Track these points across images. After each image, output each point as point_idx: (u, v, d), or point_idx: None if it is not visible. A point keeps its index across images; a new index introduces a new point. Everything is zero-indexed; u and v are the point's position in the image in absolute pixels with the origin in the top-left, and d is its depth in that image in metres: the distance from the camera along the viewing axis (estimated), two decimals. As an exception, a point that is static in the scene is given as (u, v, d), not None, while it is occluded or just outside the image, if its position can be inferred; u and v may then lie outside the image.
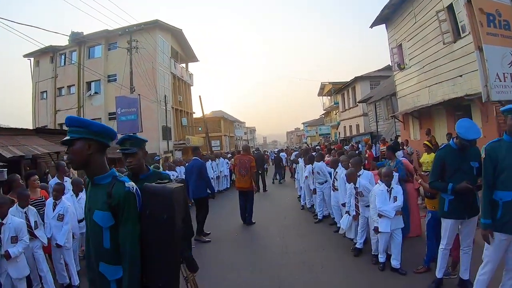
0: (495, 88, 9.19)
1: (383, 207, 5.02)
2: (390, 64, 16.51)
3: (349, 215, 6.16)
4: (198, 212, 7.57)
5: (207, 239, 7.42)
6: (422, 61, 13.63)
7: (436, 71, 12.64)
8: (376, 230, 5.13)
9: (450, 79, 11.83)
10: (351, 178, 5.88)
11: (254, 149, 35.93)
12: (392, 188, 5.13)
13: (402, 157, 7.04)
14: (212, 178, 13.75)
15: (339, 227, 7.09)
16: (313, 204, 9.45)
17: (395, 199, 5.07)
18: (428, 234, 4.85)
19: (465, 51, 10.82)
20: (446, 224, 4.07)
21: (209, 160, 13.96)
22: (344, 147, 17.38)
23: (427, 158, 8.66)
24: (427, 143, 9.15)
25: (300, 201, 10.94)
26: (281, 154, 20.04)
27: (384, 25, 16.85)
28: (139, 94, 19.79)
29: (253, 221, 8.70)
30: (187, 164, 10.15)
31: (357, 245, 5.82)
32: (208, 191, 7.68)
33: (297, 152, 15.68)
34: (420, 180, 5.22)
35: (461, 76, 11.21)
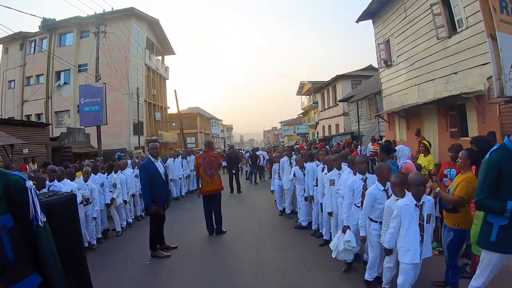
0: (510, 81, 8.10)
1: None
2: (377, 61, 15.69)
3: (346, 232, 4.78)
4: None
5: (166, 253, 6.21)
6: (411, 58, 12.80)
7: (427, 68, 11.82)
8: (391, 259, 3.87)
9: (443, 77, 11.01)
10: (385, 176, 4.31)
11: (227, 147, 34.98)
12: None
13: (405, 160, 5.82)
14: (179, 178, 12.81)
15: (325, 240, 6.19)
16: (294, 210, 8.59)
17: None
18: (450, 256, 3.90)
19: (461, 46, 10.02)
20: (490, 259, 2.95)
21: (175, 158, 12.87)
22: (326, 146, 16.40)
23: (424, 161, 7.36)
24: (425, 142, 7.96)
25: (276, 205, 9.81)
26: (258, 152, 18.97)
27: (370, 20, 16.07)
28: (104, 83, 18.03)
29: (224, 230, 7.50)
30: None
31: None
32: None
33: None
34: (438, 188, 4.02)
35: (455, 73, 10.41)
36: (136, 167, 9.65)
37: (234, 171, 13.69)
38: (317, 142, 28.31)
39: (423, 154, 7.71)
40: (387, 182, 4.21)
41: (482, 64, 9.26)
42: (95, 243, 6.93)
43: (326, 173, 6.03)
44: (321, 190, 6.17)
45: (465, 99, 9.98)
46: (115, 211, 8.01)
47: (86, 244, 6.41)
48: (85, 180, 6.99)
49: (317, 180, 6.75)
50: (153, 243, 6.20)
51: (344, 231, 4.71)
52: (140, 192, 8.84)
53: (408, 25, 12.88)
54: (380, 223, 4.05)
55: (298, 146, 19.08)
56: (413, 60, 12.71)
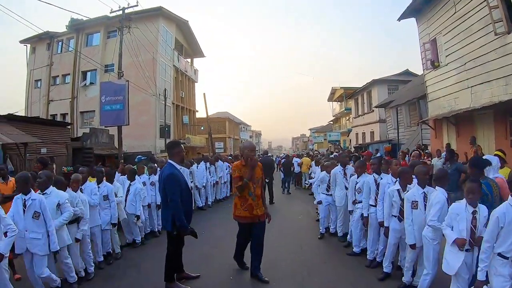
0: None
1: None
2: (422, 62, 14.39)
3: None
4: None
5: (185, 286, 4.94)
6: (462, 57, 11.54)
7: (482, 68, 10.56)
8: None
9: (502, 78, 9.75)
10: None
11: (260, 152, 33.99)
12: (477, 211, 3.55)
13: (496, 174, 4.63)
14: (203, 185, 11.54)
15: (385, 273, 5.14)
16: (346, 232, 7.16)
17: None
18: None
19: (525, 43, 8.82)
20: None
21: (199, 163, 11.77)
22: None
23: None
24: (499, 153, 6.43)
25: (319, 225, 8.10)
26: (294, 159, 17.96)
27: (413, 19, 14.90)
28: (127, 80, 17.22)
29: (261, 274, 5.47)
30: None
31: None
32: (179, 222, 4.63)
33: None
34: None
35: (517, 73, 9.18)
36: (153, 173, 8.44)
37: (267, 180, 11.76)
38: (351, 150, 27.11)
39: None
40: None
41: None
42: (93, 269, 5.52)
43: (396, 189, 4.99)
44: (388, 211, 5.08)
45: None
46: (115, 232, 6.59)
47: (81, 274, 5.25)
48: (75, 190, 5.36)
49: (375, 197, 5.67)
50: (169, 272, 4.92)
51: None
52: (157, 203, 7.93)
53: (458, 21, 11.69)
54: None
55: (336, 153, 17.96)
56: (464, 60, 11.45)
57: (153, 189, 8.04)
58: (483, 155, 9.22)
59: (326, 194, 7.69)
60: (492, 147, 10.36)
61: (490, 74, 10.23)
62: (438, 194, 4.06)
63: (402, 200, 4.78)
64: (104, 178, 6.29)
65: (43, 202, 4.47)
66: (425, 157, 11.32)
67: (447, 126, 13.24)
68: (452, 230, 3.63)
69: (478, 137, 10.80)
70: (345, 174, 7.19)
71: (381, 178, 5.68)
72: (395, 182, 5.24)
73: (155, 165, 9.03)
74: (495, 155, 6.37)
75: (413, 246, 4.40)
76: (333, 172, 7.41)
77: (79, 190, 5.47)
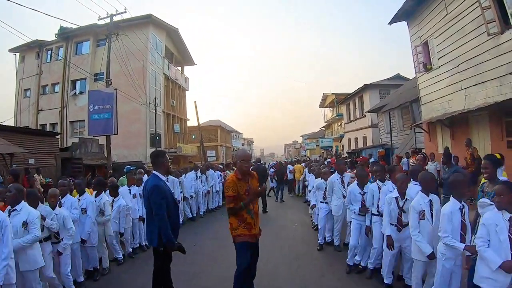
0: None
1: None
2: (414, 65, 14.28)
3: None
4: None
5: None
6: (455, 59, 11.40)
7: (476, 69, 10.41)
8: None
9: (496, 78, 9.59)
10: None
11: (252, 161, 33.70)
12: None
13: (501, 177, 4.37)
14: (190, 195, 11.04)
15: (387, 284, 4.90)
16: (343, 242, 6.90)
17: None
18: None
19: (518, 42, 8.70)
20: None
21: (187, 173, 11.48)
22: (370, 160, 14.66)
23: None
24: (497, 155, 6.20)
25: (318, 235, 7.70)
26: (288, 166, 17.79)
27: (404, 22, 14.82)
28: (115, 89, 16.91)
29: None
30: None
31: None
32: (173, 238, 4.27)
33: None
34: None
35: (511, 73, 9.03)
36: (135, 185, 7.83)
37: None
38: (344, 155, 27.09)
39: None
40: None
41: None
42: None
43: (394, 197, 4.70)
44: (387, 219, 4.76)
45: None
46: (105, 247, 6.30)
47: None
48: (53, 206, 4.97)
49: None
50: None
51: None
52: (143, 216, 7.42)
53: (450, 23, 11.57)
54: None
55: (329, 159, 17.84)
56: (457, 62, 11.31)
57: (136, 202, 7.60)
58: (479, 157, 9.06)
59: (323, 202, 7.36)
60: (488, 149, 10.21)
61: (484, 75, 10.08)
62: (447, 205, 3.74)
63: (399, 208, 4.58)
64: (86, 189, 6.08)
65: (5, 221, 3.75)
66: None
67: (441, 129, 13.09)
68: (488, 247, 3.13)
69: (473, 139, 10.65)
70: (342, 182, 6.87)
71: (385, 185, 5.41)
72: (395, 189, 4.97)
73: (139, 176, 8.70)
74: (494, 155, 6.19)
75: (431, 256, 3.97)
76: (330, 180, 7.06)
77: (57, 206, 5.08)
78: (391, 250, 4.64)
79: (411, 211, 4.17)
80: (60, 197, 5.35)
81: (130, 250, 7.20)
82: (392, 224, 4.67)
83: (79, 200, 5.77)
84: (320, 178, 7.79)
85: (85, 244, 5.68)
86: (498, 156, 5.98)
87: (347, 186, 6.42)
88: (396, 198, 4.65)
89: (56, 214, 4.83)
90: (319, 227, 7.59)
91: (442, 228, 3.64)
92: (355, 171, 7.09)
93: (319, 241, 7.43)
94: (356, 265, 5.77)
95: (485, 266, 3.14)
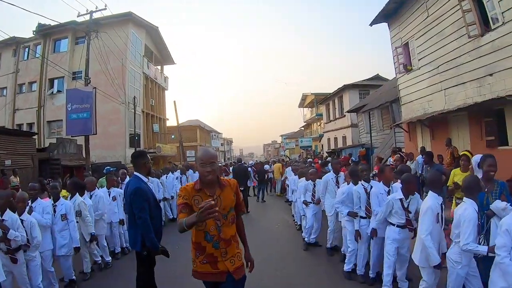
0: None
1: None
2: (394, 66, 14.50)
3: None
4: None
5: None
6: (436, 61, 11.65)
7: (456, 71, 10.64)
8: None
9: (475, 80, 9.84)
10: None
11: (232, 161, 33.51)
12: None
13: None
14: (171, 195, 10.88)
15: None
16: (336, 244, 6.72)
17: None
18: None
19: (498, 45, 8.89)
20: None
21: (167, 174, 11.28)
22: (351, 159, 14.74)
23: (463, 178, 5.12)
24: (467, 153, 6.19)
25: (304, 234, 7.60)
26: (265, 166, 17.82)
27: (385, 23, 15.04)
28: (94, 87, 16.54)
29: None
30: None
31: None
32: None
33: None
34: None
35: (491, 75, 9.25)
36: (115, 186, 7.56)
37: (242, 189, 10.97)
38: (318, 155, 27.24)
39: (460, 169, 6.06)
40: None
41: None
42: None
43: (399, 198, 4.48)
44: (381, 219, 4.67)
45: (504, 103, 8.81)
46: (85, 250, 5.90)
47: None
48: (20, 212, 4.57)
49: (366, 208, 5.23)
50: None
51: None
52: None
53: (430, 25, 11.81)
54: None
55: (311, 159, 17.93)
56: (438, 63, 11.56)
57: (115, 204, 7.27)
58: (459, 156, 9.26)
59: (312, 203, 7.21)
60: (468, 148, 10.44)
61: (464, 76, 10.32)
62: (467, 208, 3.45)
63: (404, 209, 4.39)
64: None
65: None
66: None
67: (421, 128, 13.34)
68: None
69: (453, 139, 10.88)
70: (337, 181, 6.76)
71: (371, 187, 5.21)
72: (387, 191, 4.89)
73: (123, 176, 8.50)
74: (463, 154, 6.24)
75: (438, 266, 3.72)
76: (324, 179, 6.95)
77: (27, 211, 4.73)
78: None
79: (427, 212, 3.74)
80: (30, 201, 5.00)
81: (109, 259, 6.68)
82: (400, 227, 4.45)
83: (55, 206, 5.37)
84: (304, 178, 7.68)
85: (77, 252, 5.42)
86: (468, 154, 6.13)
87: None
88: (401, 199, 4.43)
89: (24, 220, 4.48)
90: (306, 226, 7.40)
91: (465, 234, 3.32)
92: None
93: (305, 240, 7.33)
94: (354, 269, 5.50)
95: (504, 281, 2.98)
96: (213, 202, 2.27)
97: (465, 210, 3.41)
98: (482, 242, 3.53)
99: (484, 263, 3.42)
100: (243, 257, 3.12)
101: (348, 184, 5.90)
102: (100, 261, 6.34)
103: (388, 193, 4.85)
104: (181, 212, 2.78)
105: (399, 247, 4.47)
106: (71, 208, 5.46)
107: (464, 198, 3.58)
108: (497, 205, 3.55)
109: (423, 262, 3.81)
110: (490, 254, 3.16)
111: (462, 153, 6.51)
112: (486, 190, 3.86)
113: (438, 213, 3.74)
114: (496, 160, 4.07)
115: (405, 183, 4.43)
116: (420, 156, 10.28)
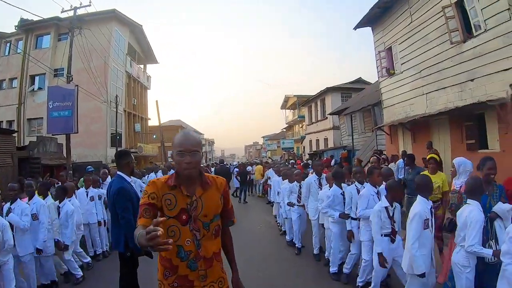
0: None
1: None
2: (377, 70, 14.72)
3: None
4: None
5: None
6: (418, 65, 11.86)
7: (438, 75, 10.88)
8: None
9: (456, 84, 10.07)
10: None
11: (214, 161, 33.36)
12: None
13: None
14: None
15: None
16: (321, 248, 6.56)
17: None
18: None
19: (479, 51, 9.11)
20: None
21: (149, 174, 11.11)
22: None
23: (434, 180, 4.98)
24: (434, 156, 6.19)
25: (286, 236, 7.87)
26: (247, 168, 17.85)
27: (369, 28, 15.25)
28: (76, 85, 16.04)
29: None
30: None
31: None
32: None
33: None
34: None
35: (472, 80, 9.49)
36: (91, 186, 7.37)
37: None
38: (300, 157, 27.40)
39: (429, 171, 5.90)
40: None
41: (505, 70, 8.35)
42: None
43: (384, 206, 4.29)
44: (376, 229, 4.38)
45: (484, 108, 9.03)
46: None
47: None
48: None
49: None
50: None
51: None
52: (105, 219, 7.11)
53: (414, 30, 12.02)
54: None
55: (294, 161, 18.06)
56: (420, 68, 11.78)
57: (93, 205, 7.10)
58: (441, 160, 9.44)
59: (298, 205, 7.08)
60: (448, 152, 10.69)
61: (445, 81, 10.55)
62: (473, 210, 3.39)
63: (389, 218, 4.24)
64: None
65: None
66: (383, 163, 11.39)
67: (402, 131, 13.55)
68: None
69: (434, 142, 11.03)
70: (320, 184, 6.64)
71: (364, 187, 5.14)
72: (376, 193, 4.81)
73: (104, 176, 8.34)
74: (430, 158, 6.09)
75: (423, 275, 3.60)
76: (307, 181, 6.87)
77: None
78: (385, 267, 4.24)
79: (414, 219, 3.64)
80: (4, 203, 4.81)
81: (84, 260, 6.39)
82: (386, 235, 4.26)
83: (28, 204, 5.12)
84: (287, 180, 7.67)
85: (41, 254, 5.09)
86: (436, 157, 6.18)
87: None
88: (386, 207, 4.25)
89: None
90: (294, 229, 7.28)
91: (471, 235, 3.28)
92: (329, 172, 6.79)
93: (297, 245, 7.16)
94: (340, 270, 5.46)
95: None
96: (160, 232, 1.47)
97: (471, 212, 3.36)
98: (494, 246, 3.47)
99: (489, 271, 3.39)
100: (230, 282, 2.38)
101: (330, 186, 5.82)
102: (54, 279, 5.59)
103: (377, 194, 4.79)
104: (142, 216, 2.06)
105: (394, 257, 4.30)
106: (44, 207, 5.22)
107: (468, 200, 3.53)
108: (502, 207, 3.55)
109: (411, 269, 3.70)
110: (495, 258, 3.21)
111: (429, 156, 6.46)
112: (487, 192, 3.82)
113: (428, 219, 3.65)
114: (496, 163, 4.03)
115: (391, 191, 4.30)
116: (401, 160, 10.32)
